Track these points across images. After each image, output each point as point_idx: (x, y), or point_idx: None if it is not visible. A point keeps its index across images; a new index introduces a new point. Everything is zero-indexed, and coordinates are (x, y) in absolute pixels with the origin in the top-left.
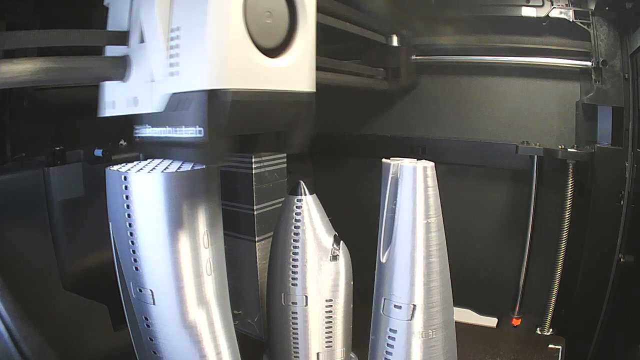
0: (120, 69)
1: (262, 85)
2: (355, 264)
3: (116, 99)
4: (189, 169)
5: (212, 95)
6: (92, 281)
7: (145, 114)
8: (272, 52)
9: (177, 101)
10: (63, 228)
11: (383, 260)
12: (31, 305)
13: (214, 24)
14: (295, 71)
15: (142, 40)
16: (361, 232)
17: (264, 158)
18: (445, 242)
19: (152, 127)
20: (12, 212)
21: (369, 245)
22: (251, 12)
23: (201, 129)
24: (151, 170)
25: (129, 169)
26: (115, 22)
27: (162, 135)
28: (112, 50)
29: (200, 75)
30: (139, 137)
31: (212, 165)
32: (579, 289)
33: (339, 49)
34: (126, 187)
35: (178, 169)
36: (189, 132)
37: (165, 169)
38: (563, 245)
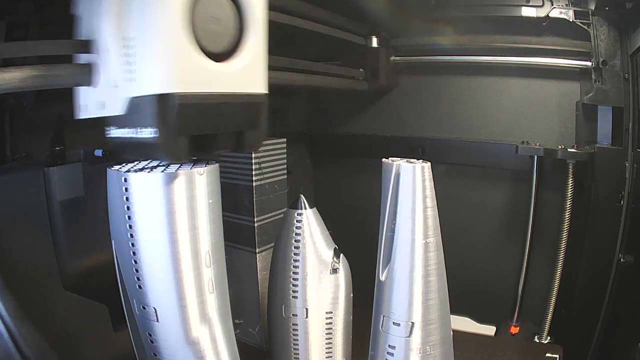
0: (87, 75)
1: (211, 89)
2: (355, 265)
3: (88, 103)
4: (189, 169)
5: (162, 99)
6: (92, 281)
7: (111, 116)
8: (221, 56)
9: (135, 104)
10: (63, 228)
11: (382, 278)
12: (31, 305)
13: (161, 33)
14: (245, 74)
15: (106, 49)
16: (361, 232)
17: (264, 169)
18: (443, 261)
19: (117, 128)
20: (12, 212)
21: (369, 246)
22: (198, 19)
23: (155, 129)
24: (151, 170)
25: (129, 169)
26: (84, 31)
27: (125, 135)
28: (84, 58)
29: (151, 80)
30: (108, 137)
31: (171, 162)
32: (579, 290)
33: (319, 51)
34: (126, 186)
35: (178, 168)
36: (146, 132)
37: (165, 169)
38: (563, 246)
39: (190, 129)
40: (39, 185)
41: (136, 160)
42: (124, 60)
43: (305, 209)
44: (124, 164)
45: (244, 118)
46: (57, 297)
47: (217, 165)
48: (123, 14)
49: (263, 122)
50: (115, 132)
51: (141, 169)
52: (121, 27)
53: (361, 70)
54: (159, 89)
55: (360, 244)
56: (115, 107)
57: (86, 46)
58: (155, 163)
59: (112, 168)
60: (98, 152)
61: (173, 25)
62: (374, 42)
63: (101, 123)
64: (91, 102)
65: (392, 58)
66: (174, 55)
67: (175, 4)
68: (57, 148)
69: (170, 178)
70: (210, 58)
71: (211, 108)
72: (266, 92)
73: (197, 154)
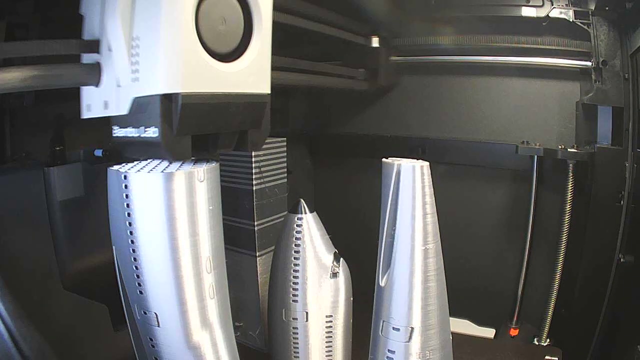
0: (92, 75)
1: (216, 89)
2: (355, 268)
3: (91, 103)
4: (189, 169)
5: (166, 99)
6: (92, 281)
7: (114, 116)
8: (227, 57)
9: (139, 104)
10: (63, 228)
11: (382, 283)
12: (31, 305)
13: (167, 33)
14: (250, 74)
15: (110, 49)
16: (361, 233)
17: (264, 173)
18: (443, 267)
19: (121, 127)
20: (12, 212)
21: (369, 249)
22: (204, 19)
23: (156, 129)
24: (151, 170)
25: (129, 169)
26: (89, 30)
27: (129, 135)
28: (87, 57)
29: (155, 80)
30: (113, 136)
31: (173, 160)
32: (579, 290)
33: (320, 50)
34: (126, 191)
35: (178, 168)
36: (150, 132)
37: (165, 169)
38: (563, 246)
39: (193, 128)
40: (39, 185)
41: (138, 160)
42: (129, 60)
43: (305, 213)
44: (124, 164)
45: (247, 117)
46: (57, 297)
47: (217, 167)
48: (129, 14)
49: (266, 121)
50: (119, 132)
51: (141, 169)
52: (126, 27)
53: (361, 70)
54: (163, 89)
55: (361, 247)
56: (119, 107)
57: (92, 46)
58: (155, 163)
59: (112, 168)
60: (98, 152)
61: (179, 25)
62: (375, 42)
63: (103, 123)
64: (95, 102)
65: (392, 58)
66: (178, 55)
67: (182, 4)
68: (57, 148)
69: (170, 178)
70: (216, 58)
71: (215, 108)
72: (269, 92)
73: (199, 153)
